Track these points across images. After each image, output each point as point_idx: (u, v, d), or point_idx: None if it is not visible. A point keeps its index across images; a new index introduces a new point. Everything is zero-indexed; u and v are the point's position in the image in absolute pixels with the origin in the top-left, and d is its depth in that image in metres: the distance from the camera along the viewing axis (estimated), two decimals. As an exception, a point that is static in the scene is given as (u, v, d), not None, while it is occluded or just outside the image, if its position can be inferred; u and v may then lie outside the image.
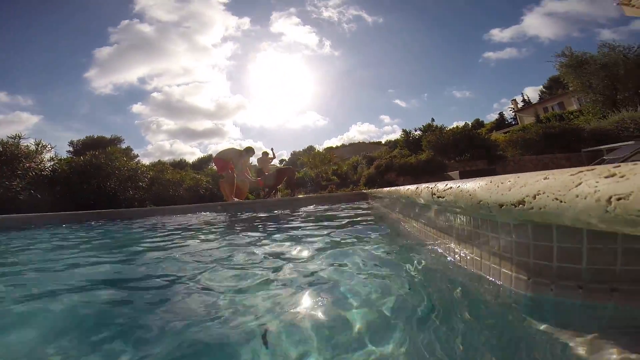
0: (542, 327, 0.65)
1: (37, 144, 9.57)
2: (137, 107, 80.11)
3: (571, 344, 0.58)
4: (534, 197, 0.65)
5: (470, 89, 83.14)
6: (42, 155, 9.56)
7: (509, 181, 0.75)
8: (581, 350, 0.56)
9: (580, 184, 0.56)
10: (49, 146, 9.86)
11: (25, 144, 9.27)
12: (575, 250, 0.66)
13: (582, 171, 0.58)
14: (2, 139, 9.00)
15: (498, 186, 0.78)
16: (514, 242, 0.80)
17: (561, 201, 0.58)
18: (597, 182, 0.53)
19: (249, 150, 8.39)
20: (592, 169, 0.58)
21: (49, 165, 9.48)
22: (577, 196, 0.55)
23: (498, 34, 75.22)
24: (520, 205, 0.69)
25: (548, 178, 0.64)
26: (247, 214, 5.06)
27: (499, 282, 0.86)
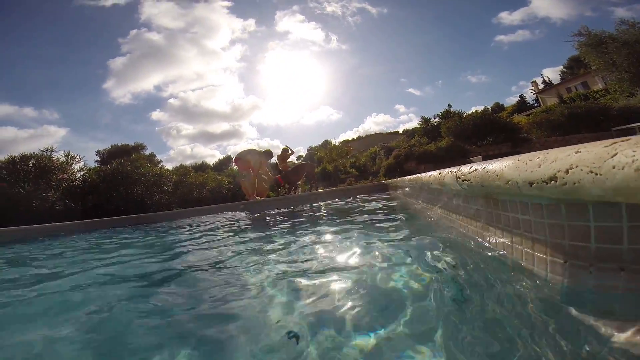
0: (582, 312, 0.62)
1: (67, 156, 10.03)
2: (156, 114, 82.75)
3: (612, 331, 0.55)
4: (567, 172, 0.62)
5: (485, 73, 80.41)
6: (72, 166, 10.03)
7: (538, 157, 0.72)
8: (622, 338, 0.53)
9: (615, 154, 0.53)
10: (77, 157, 10.33)
11: (56, 156, 9.74)
12: (615, 229, 0.62)
13: (616, 142, 0.56)
14: (35, 153, 9.51)
15: (526, 163, 0.75)
16: (547, 223, 0.77)
17: (597, 174, 0.56)
18: (634, 151, 0.51)
19: (268, 153, 8.70)
20: (627, 139, 0.55)
21: (79, 175, 9.92)
22: (614, 167, 0.53)
23: (507, 17, 72.40)
24: (552, 182, 0.66)
25: (580, 151, 0.61)
26: (270, 210, 5.13)
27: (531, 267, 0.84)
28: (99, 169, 10.51)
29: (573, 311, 0.64)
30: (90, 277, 1.54)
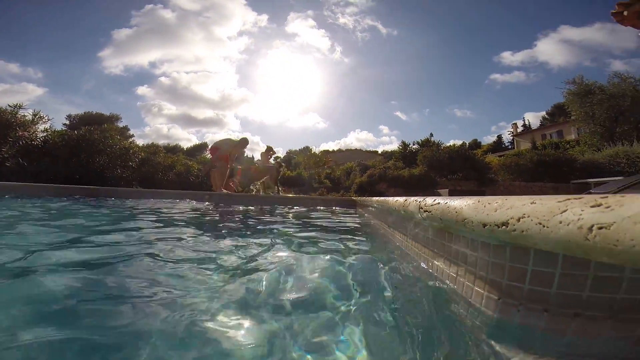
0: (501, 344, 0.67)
1: (35, 115, 9.47)
2: (142, 89, 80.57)
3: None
4: (518, 220, 0.65)
5: (471, 109, 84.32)
6: (36, 126, 9.46)
7: (497, 202, 0.75)
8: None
9: (565, 210, 0.56)
10: (46, 118, 9.76)
11: (22, 114, 9.19)
12: (548, 274, 0.66)
13: (569, 199, 0.58)
14: (0, 107, 8.91)
15: (485, 206, 0.78)
16: (491, 262, 0.80)
17: (544, 226, 0.58)
18: (582, 210, 0.53)
19: (244, 142, 8.24)
20: (580, 198, 0.58)
21: (41, 136, 9.35)
22: (561, 222, 0.55)
23: (509, 57, 76.44)
24: (503, 227, 0.68)
25: (535, 203, 0.64)
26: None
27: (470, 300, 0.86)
28: (64, 132, 9.94)
29: (493, 342, 0.71)
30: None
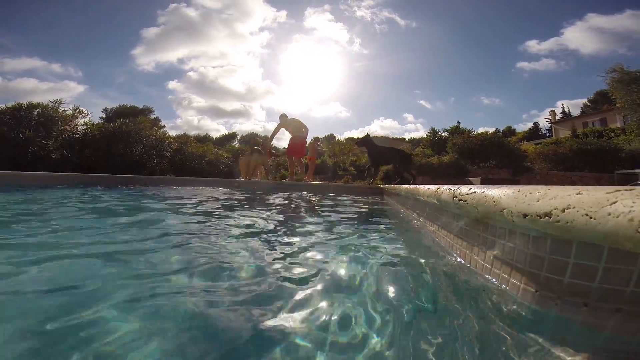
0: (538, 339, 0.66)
1: (74, 110, 10.04)
2: (172, 84, 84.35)
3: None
4: (563, 211, 0.63)
5: (499, 97, 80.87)
6: (77, 120, 10.03)
7: (539, 192, 0.73)
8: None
9: (615, 202, 0.54)
10: (85, 112, 10.32)
11: (63, 109, 9.76)
12: (590, 268, 0.63)
13: (619, 190, 0.56)
14: (41, 103, 9.50)
15: (526, 195, 0.76)
16: (529, 253, 0.78)
17: (591, 217, 0.57)
18: (633, 202, 0.51)
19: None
20: (631, 189, 0.56)
21: (81, 129, 9.90)
22: (609, 214, 0.53)
23: (535, 46, 73.04)
24: (546, 217, 0.67)
25: (581, 193, 0.62)
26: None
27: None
28: (102, 125, 10.48)
29: (530, 334, 0.68)
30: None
